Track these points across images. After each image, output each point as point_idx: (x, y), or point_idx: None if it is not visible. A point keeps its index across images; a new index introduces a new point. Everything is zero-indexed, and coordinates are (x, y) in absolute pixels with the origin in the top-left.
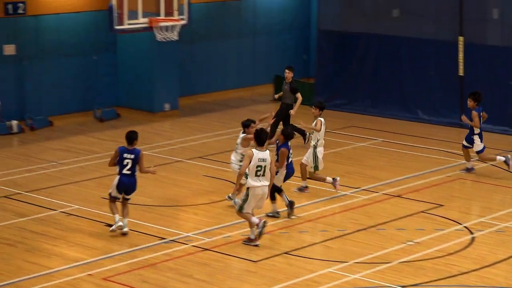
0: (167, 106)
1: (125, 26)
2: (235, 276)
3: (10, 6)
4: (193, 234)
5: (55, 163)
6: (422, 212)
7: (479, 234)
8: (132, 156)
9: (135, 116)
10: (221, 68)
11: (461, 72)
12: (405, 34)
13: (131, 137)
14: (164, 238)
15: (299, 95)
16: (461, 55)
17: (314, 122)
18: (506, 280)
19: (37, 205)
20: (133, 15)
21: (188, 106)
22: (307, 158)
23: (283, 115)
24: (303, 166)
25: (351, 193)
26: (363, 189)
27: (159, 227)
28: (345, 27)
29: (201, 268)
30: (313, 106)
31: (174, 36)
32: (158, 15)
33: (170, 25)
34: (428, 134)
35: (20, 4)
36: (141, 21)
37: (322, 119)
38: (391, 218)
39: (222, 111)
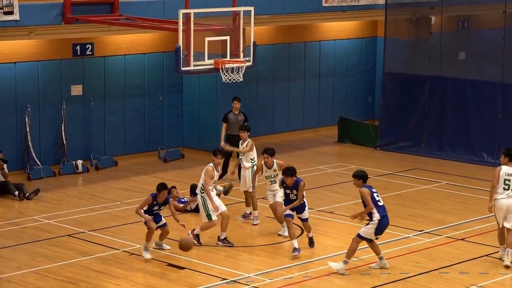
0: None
1: (191, 67)
2: None
3: (78, 47)
4: (254, 275)
5: (118, 203)
6: (486, 256)
7: None
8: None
9: (199, 157)
10: (285, 109)
11: None
12: (471, 77)
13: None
14: (225, 279)
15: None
16: None
17: (245, 143)
18: None
19: (100, 244)
20: (199, 56)
21: None
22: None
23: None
24: (247, 193)
25: (414, 235)
26: (426, 232)
27: (220, 267)
28: (410, 70)
29: None
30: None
31: (239, 77)
32: (224, 56)
33: (236, 67)
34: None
35: (88, 46)
36: (207, 63)
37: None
38: (454, 262)
39: (286, 152)
